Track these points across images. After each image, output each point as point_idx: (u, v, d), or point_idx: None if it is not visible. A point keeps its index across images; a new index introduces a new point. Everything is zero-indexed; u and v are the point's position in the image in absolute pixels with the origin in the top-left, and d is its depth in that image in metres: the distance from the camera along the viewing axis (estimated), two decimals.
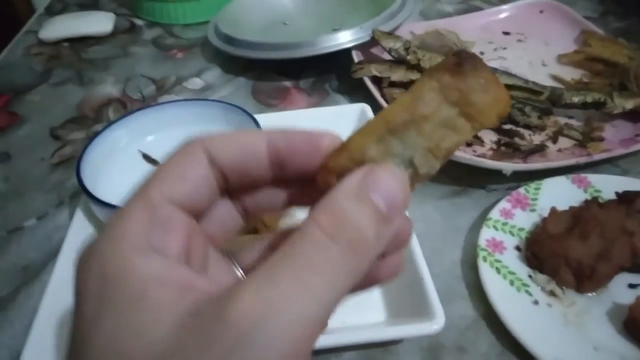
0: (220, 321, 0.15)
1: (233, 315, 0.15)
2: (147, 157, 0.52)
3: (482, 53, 0.70)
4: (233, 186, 0.20)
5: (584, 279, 0.38)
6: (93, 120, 0.66)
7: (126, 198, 0.18)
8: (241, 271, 0.21)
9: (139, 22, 0.88)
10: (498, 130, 0.56)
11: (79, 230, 0.44)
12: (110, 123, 0.49)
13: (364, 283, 0.19)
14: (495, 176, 0.48)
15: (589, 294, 0.39)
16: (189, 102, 0.52)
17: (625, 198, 0.44)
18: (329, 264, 0.16)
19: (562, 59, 0.68)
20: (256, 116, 0.53)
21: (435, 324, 0.34)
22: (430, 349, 0.37)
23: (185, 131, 0.50)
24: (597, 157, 0.49)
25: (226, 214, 0.21)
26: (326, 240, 0.16)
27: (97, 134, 0.48)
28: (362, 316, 0.38)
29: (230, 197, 0.21)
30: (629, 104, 0.54)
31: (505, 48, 0.71)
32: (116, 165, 0.49)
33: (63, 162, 0.58)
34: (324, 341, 0.34)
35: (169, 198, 0.18)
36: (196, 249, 0.19)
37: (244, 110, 0.50)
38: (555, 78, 0.65)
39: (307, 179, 0.20)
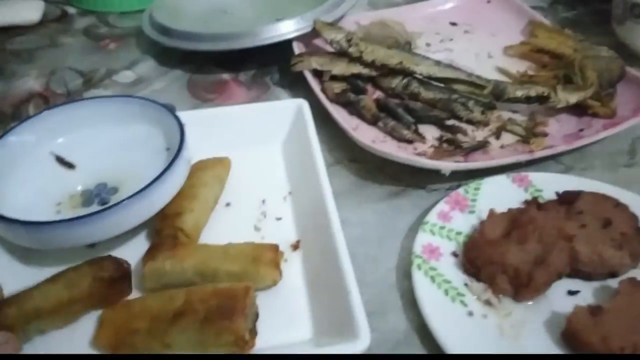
0: None
1: None
2: (60, 160, 0.47)
3: (428, 44, 0.68)
4: None
5: (521, 286, 0.36)
6: (10, 118, 0.60)
7: None
8: None
9: (71, 10, 0.82)
10: (440, 126, 0.53)
11: None
12: (12, 127, 0.44)
13: None
14: (435, 176, 0.46)
15: (527, 303, 0.37)
16: (105, 100, 0.47)
17: (565, 198, 0.42)
18: None
19: (508, 50, 0.66)
20: (188, 112, 0.50)
21: (360, 345, 0.31)
22: None
23: (101, 131, 0.47)
24: (539, 154, 0.47)
25: None
26: None
27: None
28: (288, 335, 0.35)
29: None
30: (573, 98, 0.53)
31: (451, 39, 0.69)
32: (24, 171, 0.44)
33: None
34: None
35: None
36: None
37: (167, 108, 0.46)
38: (500, 71, 0.63)
39: None
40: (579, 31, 0.66)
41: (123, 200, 0.37)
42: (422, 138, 0.52)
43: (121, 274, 0.37)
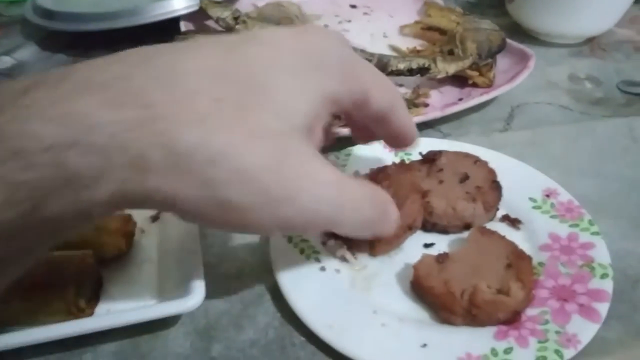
0: None
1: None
2: None
3: (326, 25, 0.68)
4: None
5: (374, 241, 0.36)
6: None
7: None
8: None
9: None
10: None
11: None
12: None
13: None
14: None
15: (383, 257, 0.37)
16: None
17: (427, 158, 0.42)
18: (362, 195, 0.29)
19: (403, 29, 0.67)
20: None
21: (192, 300, 0.30)
22: (204, 330, 0.33)
23: None
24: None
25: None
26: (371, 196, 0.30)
27: None
28: (132, 301, 0.34)
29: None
30: (452, 68, 0.54)
31: (349, 21, 0.70)
32: None
33: None
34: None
35: None
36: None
37: None
38: (392, 48, 0.64)
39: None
40: (478, 14, 0.68)
41: None
42: None
43: None
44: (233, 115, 0.22)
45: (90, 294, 0.33)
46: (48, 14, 0.62)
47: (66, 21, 0.61)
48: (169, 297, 0.33)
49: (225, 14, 0.58)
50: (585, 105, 0.57)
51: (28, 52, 0.64)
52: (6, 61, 0.63)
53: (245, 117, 0.22)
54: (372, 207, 0.28)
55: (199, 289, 0.31)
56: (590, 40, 0.69)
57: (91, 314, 0.33)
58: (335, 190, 0.25)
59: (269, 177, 0.22)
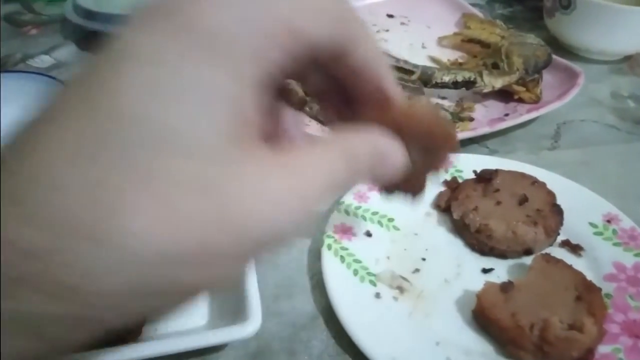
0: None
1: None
2: None
3: None
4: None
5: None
6: None
7: None
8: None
9: None
10: None
11: None
12: None
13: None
14: None
15: (440, 282, 0.35)
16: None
17: (482, 177, 0.41)
18: (330, 174, 0.19)
19: (442, 41, 0.65)
20: None
21: (250, 327, 0.28)
22: (257, 354, 0.32)
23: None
24: (461, 136, 0.46)
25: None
26: (338, 156, 0.20)
27: None
28: (182, 323, 0.32)
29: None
30: (498, 83, 0.52)
31: (387, 30, 0.68)
32: None
33: None
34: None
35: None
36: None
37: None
38: (432, 59, 0.62)
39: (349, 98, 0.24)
40: (513, 26, 0.66)
41: None
42: None
43: None
44: (137, 200, 0.16)
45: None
46: (88, 14, 0.61)
47: (107, 22, 0.60)
48: (220, 318, 0.31)
49: None
50: (631, 125, 0.55)
51: (67, 51, 0.63)
52: (45, 60, 0.61)
53: (153, 194, 0.16)
54: (348, 169, 0.21)
55: (255, 314, 0.29)
56: (628, 58, 0.68)
57: (140, 333, 0.31)
58: (295, 198, 0.18)
59: (219, 247, 0.17)
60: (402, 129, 0.23)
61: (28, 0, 0.76)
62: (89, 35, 0.63)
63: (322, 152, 0.20)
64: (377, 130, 0.23)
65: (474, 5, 0.74)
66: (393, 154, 0.23)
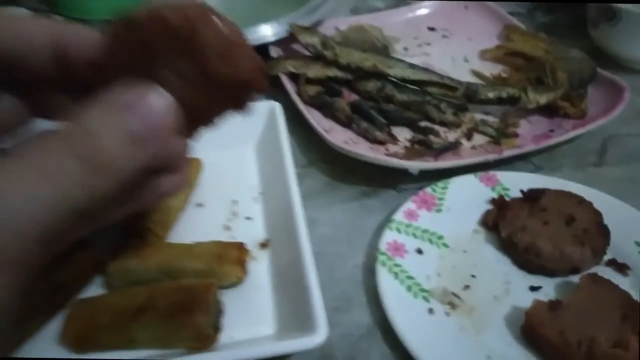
0: None
1: None
2: None
3: (405, 49, 0.68)
4: (10, 77, 0.21)
5: None
6: None
7: None
8: None
9: (58, 19, 0.83)
10: (413, 128, 0.54)
11: None
12: None
13: (135, 199, 0.22)
14: (406, 176, 0.46)
15: (490, 298, 0.37)
16: None
17: (530, 196, 0.42)
18: (63, 176, 0.16)
19: (484, 54, 0.67)
20: None
21: (317, 338, 0.31)
22: None
23: None
24: (507, 153, 0.48)
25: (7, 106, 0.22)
26: (66, 154, 0.17)
27: None
28: (252, 330, 0.36)
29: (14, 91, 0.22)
30: (543, 99, 0.54)
31: (429, 44, 0.70)
32: None
33: None
34: None
35: None
36: None
37: None
38: (475, 73, 0.63)
39: (95, 85, 0.20)
40: (556, 36, 0.67)
41: None
42: (394, 139, 0.52)
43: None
44: None
45: (216, 321, 0.35)
46: None
47: None
48: (287, 328, 0.34)
49: (315, 39, 0.59)
50: None
51: None
52: None
53: None
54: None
55: (322, 325, 0.32)
56: None
57: (215, 341, 0.34)
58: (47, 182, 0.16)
59: None
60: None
61: (89, 21, 0.81)
62: None
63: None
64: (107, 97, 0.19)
65: (515, 14, 0.75)
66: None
